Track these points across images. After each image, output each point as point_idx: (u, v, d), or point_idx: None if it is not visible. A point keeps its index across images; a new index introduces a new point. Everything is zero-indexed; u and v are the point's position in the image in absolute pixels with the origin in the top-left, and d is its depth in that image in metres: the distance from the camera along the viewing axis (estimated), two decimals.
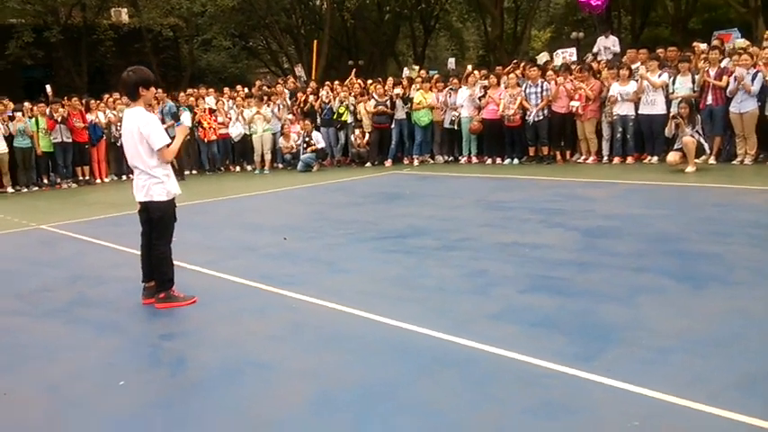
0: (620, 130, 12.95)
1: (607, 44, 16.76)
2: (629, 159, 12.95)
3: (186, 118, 6.40)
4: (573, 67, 14.22)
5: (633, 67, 13.09)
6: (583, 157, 13.63)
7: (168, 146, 5.55)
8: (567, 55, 16.78)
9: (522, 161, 14.17)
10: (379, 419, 3.46)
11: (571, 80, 13.45)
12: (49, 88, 16.59)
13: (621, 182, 10.86)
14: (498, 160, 14.46)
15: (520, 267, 6.16)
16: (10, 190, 14.95)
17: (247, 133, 16.31)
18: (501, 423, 3.33)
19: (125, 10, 26.56)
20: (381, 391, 3.79)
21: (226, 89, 18.37)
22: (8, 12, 22.93)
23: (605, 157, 13.29)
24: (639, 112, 12.66)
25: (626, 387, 3.60)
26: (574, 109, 13.24)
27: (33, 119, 15.05)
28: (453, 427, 3.34)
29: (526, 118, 13.78)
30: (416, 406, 3.58)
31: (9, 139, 14.80)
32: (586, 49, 18.97)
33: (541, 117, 13.58)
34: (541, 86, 13.66)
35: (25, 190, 15.09)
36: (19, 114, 15.13)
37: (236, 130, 16.26)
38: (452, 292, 5.62)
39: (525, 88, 13.87)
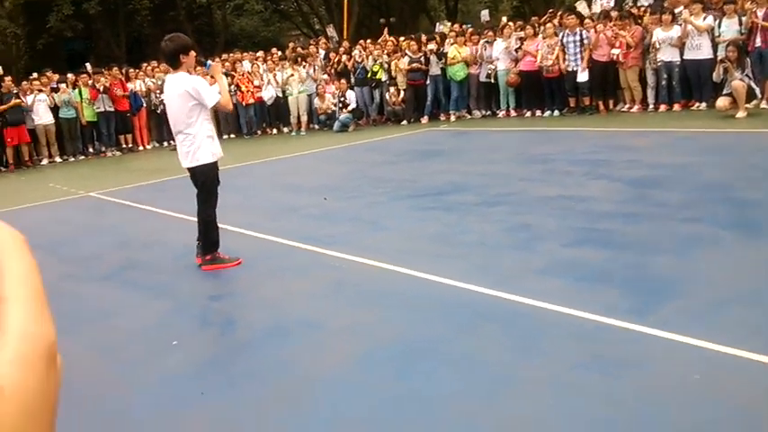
0: (666, 76, 12.53)
1: None
2: (676, 107, 12.52)
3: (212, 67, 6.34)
4: (612, 13, 13.76)
5: (676, 11, 12.62)
6: (627, 106, 13.26)
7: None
8: (605, 2, 16.26)
9: (563, 113, 13.86)
10: (423, 374, 3.45)
11: (611, 27, 13.03)
12: (88, 66, 16.77)
13: (668, 130, 10.50)
14: (538, 113, 14.17)
15: (564, 221, 6.04)
16: (58, 159, 15.28)
17: (280, 96, 16.27)
18: (551, 378, 3.28)
19: None
20: (424, 347, 3.78)
21: (260, 52, 18.29)
22: None
23: (650, 106, 12.89)
24: (685, 57, 12.21)
25: (684, 340, 3.50)
26: (615, 57, 12.86)
27: (77, 90, 15.29)
28: (499, 381, 3.31)
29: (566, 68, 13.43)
30: (460, 361, 3.56)
31: (54, 110, 15.07)
32: None
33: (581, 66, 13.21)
34: (580, 35, 13.28)
35: (72, 159, 15.40)
36: (63, 86, 15.37)
37: (268, 93, 16.23)
38: (494, 247, 5.55)
39: (563, 37, 13.50)
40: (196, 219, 5.89)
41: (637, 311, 3.92)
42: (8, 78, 14.95)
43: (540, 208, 6.60)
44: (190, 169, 5.70)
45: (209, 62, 6.32)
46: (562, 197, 6.90)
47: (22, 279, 0.35)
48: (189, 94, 5.45)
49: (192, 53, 5.63)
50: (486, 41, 14.72)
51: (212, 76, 6.14)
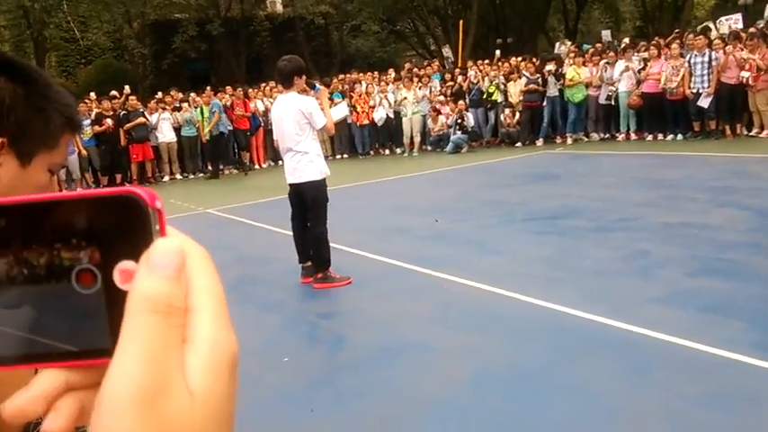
0: None
1: None
2: None
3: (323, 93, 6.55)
4: (743, 34, 13.11)
5: None
6: (755, 131, 12.56)
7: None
8: (732, 22, 15.53)
9: (687, 137, 13.29)
10: (532, 400, 3.39)
11: (741, 48, 12.41)
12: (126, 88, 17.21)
13: None
14: (660, 136, 13.65)
15: (686, 249, 5.78)
16: (179, 177, 16.04)
17: (392, 117, 16.45)
18: (667, 411, 3.15)
19: (280, 0, 27.66)
20: (536, 373, 3.70)
21: (375, 73, 18.61)
22: (174, 7, 24.58)
23: None
24: None
25: None
26: (744, 80, 12.22)
27: (198, 108, 15.97)
28: (613, 412, 3.20)
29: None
30: (573, 389, 3.46)
31: (177, 129, 15.85)
32: (755, 16, 17.44)
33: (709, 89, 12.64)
34: (709, 56, 12.71)
35: (192, 177, 16.13)
36: (185, 105, 16.13)
37: (379, 115, 16.46)
38: (611, 274, 5.38)
39: (690, 58, 12.97)
40: (297, 241, 6.03)
41: (761, 346, 3.69)
42: (134, 97, 15.86)
43: (659, 235, 6.34)
44: (295, 185, 5.86)
45: (318, 86, 6.53)
46: (684, 224, 6.61)
47: (208, 290, 0.36)
48: (302, 112, 5.64)
49: (305, 77, 5.85)
50: (607, 62, 14.36)
51: (320, 101, 6.32)
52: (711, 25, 15.97)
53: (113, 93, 16.07)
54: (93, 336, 0.36)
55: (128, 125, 15.03)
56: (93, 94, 16.24)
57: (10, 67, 1.00)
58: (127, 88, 16.42)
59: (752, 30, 13.59)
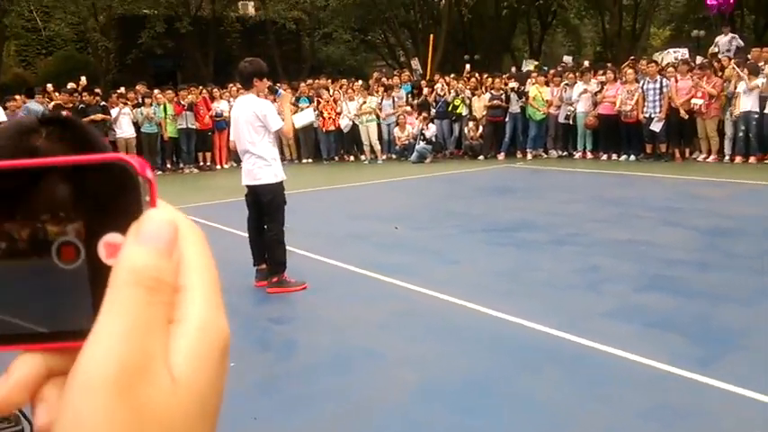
0: (743, 128, 12.33)
1: (727, 41, 15.99)
2: (752, 159, 12.30)
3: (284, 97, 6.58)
4: (694, 63, 13.64)
5: (760, 64, 12.39)
6: (703, 156, 13.04)
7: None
8: (680, 55, 16.13)
9: (639, 158, 13.69)
10: (480, 411, 3.46)
11: (691, 77, 12.88)
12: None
13: (743, 181, 10.34)
14: (614, 156, 14.04)
15: (635, 265, 5.96)
16: None
17: (357, 123, 16.51)
18: (611, 424, 3.26)
19: (252, 3, 27.49)
20: (486, 384, 3.78)
21: (343, 81, 18.65)
22: (142, 3, 24.14)
23: (726, 156, 12.70)
24: (765, 111, 11.98)
25: (747, 393, 3.43)
26: (695, 107, 12.68)
27: (161, 106, 15.78)
28: (559, 424, 3.29)
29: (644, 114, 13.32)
30: (521, 400, 3.55)
31: (137, 124, 15.51)
32: (708, 48, 18.08)
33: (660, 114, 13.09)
34: (660, 82, 13.18)
35: None
36: (147, 101, 15.85)
37: (344, 121, 16.51)
38: (564, 287, 5.51)
39: (643, 84, 13.41)
40: (252, 243, 6.01)
41: (702, 361, 3.86)
42: (97, 90, 15.51)
43: (611, 251, 6.53)
44: (252, 188, 5.87)
45: (281, 91, 6.56)
46: (634, 242, 6.81)
47: (202, 269, 0.34)
48: (256, 115, 5.66)
49: (266, 80, 5.88)
50: (567, 84, 14.73)
51: (281, 105, 6.37)
52: (660, 57, 16.58)
53: (71, 85, 15.69)
54: (73, 316, 0.33)
55: (85, 119, 14.75)
56: (50, 86, 15.88)
57: None
58: (83, 80, 16.04)
59: (704, 60, 14.15)
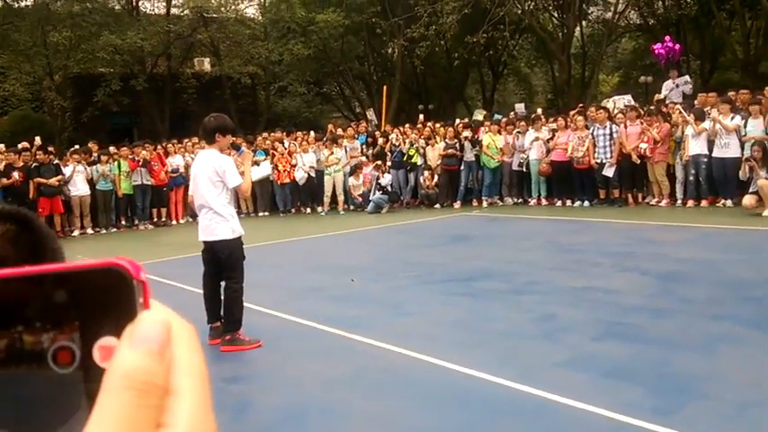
0: (693, 172, 12.61)
1: (678, 83, 16.51)
2: (704, 202, 12.55)
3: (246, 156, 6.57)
4: (642, 109, 14.05)
5: (705, 109, 12.80)
6: (655, 200, 13.30)
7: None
8: (625, 101, 16.67)
9: (593, 203, 13.91)
10: None
11: (640, 123, 13.24)
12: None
13: (695, 225, 10.49)
14: (568, 202, 14.25)
15: (591, 313, 5.98)
16: (90, 231, 15.48)
17: (313, 176, 16.54)
18: None
19: (207, 59, 27.66)
20: None
21: (299, 133, 18.73)
22: (98, 62, 24.14)
23: (678, 200, 12.95)
24: (713, 155, 12.30)
25: None
26: (642, 151, 12.99)
27: (116, 162, 15.64)
28: None
29: (596, 161, 13.60)
30: None
31: (91, 182, 15.39)
32: (655, 93, 18.71)
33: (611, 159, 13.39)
34: (610, 129, 13.53)
35: (104, 231, 15.61)
36: (104, 158, 15.69)
37: (299, 174, 16.53)
38: (520, 337, 5.49)
39: (593, 131, 13.73)
40: (207, 300, 5.90)
41: (660, 410, 3.83)
42: (51, 149, 15.34)
43: (567, 298, 6.54)
44: (209, 243, 5.79)
45: (243, 149, 6.55)
46: (589, 288, 6.85)
47: (192, 371, 0.34)
48: (215, 170, 5.62)
49: (229, 136, 5.85)
50: (519, 131, 15.02)
51: (242, 163, 6.35)
52: (606, 104, 17.06)
53: (24, 144, 15.52)
54: (68, 420, 0.33)
55: (40, 180, 14.46)
56: (2, 146, 15.67)
57: None
58: (37, 140, 15.88)
59: (650, 106, 14.60)
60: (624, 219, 11.73)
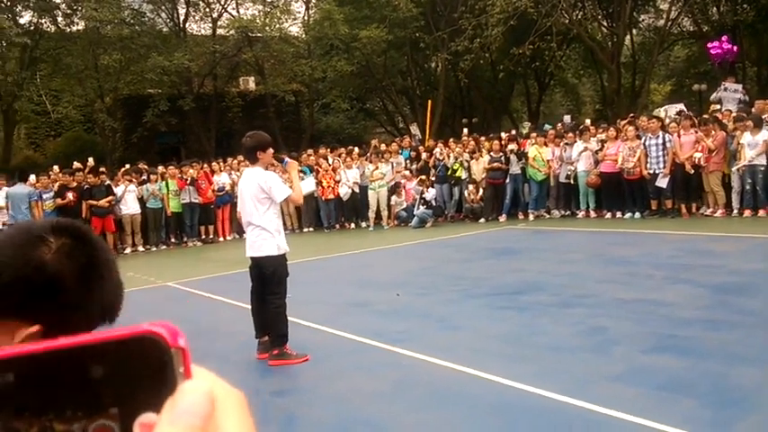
0: (750, 181, 12.22)
1: (730, 90, 16.07)
2: (761, 212, 12.12)
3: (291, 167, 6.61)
4: (696, 118, 13.69)
5: (763, 116, 12.42)
6: (710, 210, 12.91)
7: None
8: (677, 108, 16.28)
9: (644, 215, 13.58)
10: None
11: (694, 131, 12.90)
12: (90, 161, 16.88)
13: (752, 236, 10.16)
14: (618, 214, 13.93)
15: (643, 325, 5.82)
16: (141, 249, 15.84)
17: (356, 192, 16.61)
18: None
19: (252, 78, 28.17)
20: None
21: (342, 149, 18.85)
22: (146, 83, 24.86)
23: (735, 210, 12.53)
24: None
25: None
26: (696, 161, 12.64)
27: (164, 182, 16.00)
28: None
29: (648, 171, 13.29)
30: None
31: (142, 200, 15.81)
32: (710, 102, 18.23)
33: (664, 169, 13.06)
34: (663, 138, 13.17)
35: (154, 248, 15.96)
36: (153, 177, 16.10)
37: (343, 189, 16.61)
38: (569, 350, 5.37)
39: (645, 141, 13.41)
40: (255, 314, 5.97)
41: (718, 424, 3.70)
42: (103, 169, 15.84)
43: (617, 311, 6.38)
44: (255, 259, 5.85)
45: (287, 159, 6.60)
46: (641, 301, 6.67)
47: None
48: (261, 188, 5.68)
49: (270, 150, 5.90)
50: (567, 143, 14.79)
51: (289, 173, 6.41)
52: (661, 113, 16.70)
53: (77, 165, 16.02)
54: None
55: (92, 202, 14.85)
56: (56, 168, 16.16)
57: (77, 235, 0.84)
58: (90, 161, 16.38)
59: (704, 115, 14.22)
60: (677, 230, 11.41)
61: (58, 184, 15.03)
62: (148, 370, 0.32)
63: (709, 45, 18.25)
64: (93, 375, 0.32)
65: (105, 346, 0.32)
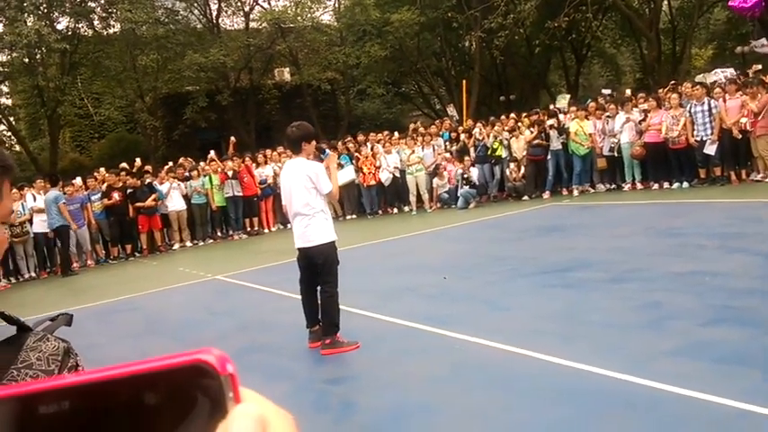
0: None
1: (758, 47, 15.53)
2: None
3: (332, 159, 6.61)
4: (739, 81, 13.26)
5: None
6: (760, 176, 12.53)
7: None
8: (728, 74, 15.71)
9: (692, 184, 13.27)
10: None
11: (740, 95, 12.51)
12: (212, 153, 17.37)
13: None
14: (665, 185, 13.63)
15: (699, 298, 5.69)
16: (188, 244, 16.09)
17: (398, 176, 16.58)
18: None
19: (287, 69, 28.32)
20: None
21: (380, 135, 18.79)
22: (184, 80, 25.18)
23: None
24: None
25: None
26: (742, 125, 12.26)
27: (207, 177, 16.19)
28: None
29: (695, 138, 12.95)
30: None
31: (187, 197, 16.03)
32: (754, 63, 17.59)
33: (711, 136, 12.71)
34: (708, 104, 12.81)
35: (201, 243, 16.19)
36: (194, 173, 16.32)
37: (384, 175, 16.58)
38: (624, 326, 5.28)
39: (690, 108, 13.06)
40: (305, 304, 5.98)
41: None
42: (148, 167, 16.17)
43: (671, 284, 6.25)
44: (304, 250, 5.85)
45: (328, 151, 6.60)
46: (695, 273, 6.52)
47: None
48: (309, 178, 5.69)
49: (314, 142, 5.92)
50: (608, 115, 14.48)
51: (327, 166, 6.39)
52: (703, 78, 16.19)
53: (123, 165, 16.35)
54: None
55: (138, 204, 15.12)
56: (102, 170, 16.50)
57: None
58: (138, 161, 16.71)
59: (747, 78, 13.76)
60: (728, 198, 11.14)
61: (105, 184, 15.36)
62: (199, 398, 0.33)
63: (730, 3, 17.52)
64: (146, 404, 0.33)
65: (157, 375, 0.33)
